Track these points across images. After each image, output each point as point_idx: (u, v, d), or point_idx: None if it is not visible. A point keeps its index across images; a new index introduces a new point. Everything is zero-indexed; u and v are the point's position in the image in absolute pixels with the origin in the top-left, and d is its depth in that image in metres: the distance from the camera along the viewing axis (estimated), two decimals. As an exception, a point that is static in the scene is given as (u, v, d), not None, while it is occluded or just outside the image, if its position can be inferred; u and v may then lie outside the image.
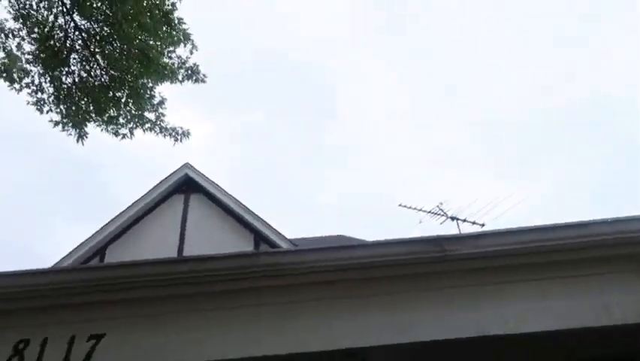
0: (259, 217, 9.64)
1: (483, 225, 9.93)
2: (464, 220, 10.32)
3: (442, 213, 10.45)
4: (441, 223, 10.36)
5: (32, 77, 6.81)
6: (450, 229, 10.19)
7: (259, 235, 9.61)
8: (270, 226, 9.46)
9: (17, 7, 6.46)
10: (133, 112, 6.83)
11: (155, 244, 10.05)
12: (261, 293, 2.79)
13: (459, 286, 2.75)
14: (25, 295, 2.62)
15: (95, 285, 2.65)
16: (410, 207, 10.65)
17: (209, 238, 9.91)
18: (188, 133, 7.50)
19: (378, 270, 2.80)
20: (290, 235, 9.98)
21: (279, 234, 9.38)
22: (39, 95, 6.80)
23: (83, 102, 6.67)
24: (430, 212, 10.46)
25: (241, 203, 10.01)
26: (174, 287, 2.79)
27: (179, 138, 7.38)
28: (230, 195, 10.11)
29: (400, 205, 10.63)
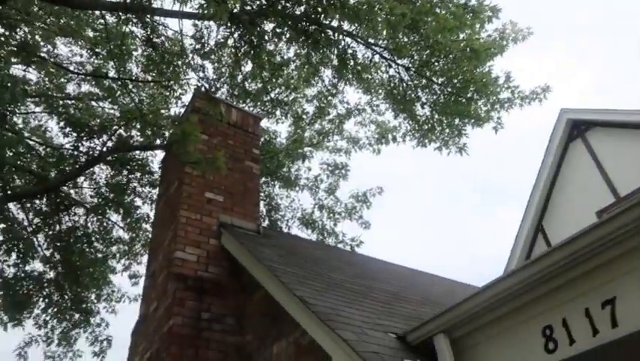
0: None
1: None
2: None
3: None
4: None
5: (402, 126, 7.94)
6: None
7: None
8: None
9: (362, 83, 7.80)
10: (491, 100, 7.01)
11: (584, 199, 9.51)
12: None
13: None
14: (536, 284, 2.86)
15: (584, 254, 2.66)
16: None
17: (636, 164, 8.71)
18: (548, 87, 7.13)
19: None
20: None
21: None
22: (414, 135, 7.84)
23: (448, 119, 7.30)
24: None
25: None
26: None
27: (541, 96, 7.10)
28: (630, 110, 8.76)
29: None
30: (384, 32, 6.32)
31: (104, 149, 9.73)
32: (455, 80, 6.99)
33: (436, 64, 7.06)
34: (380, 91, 8.13)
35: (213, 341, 4.64)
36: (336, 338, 3.15)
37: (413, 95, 7.46)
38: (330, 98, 8.92)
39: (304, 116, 10.02)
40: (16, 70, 9.20)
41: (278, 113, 10.35)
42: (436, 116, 7.43)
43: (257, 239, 5.49)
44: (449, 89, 7.11)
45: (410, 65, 7.35)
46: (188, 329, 4.56)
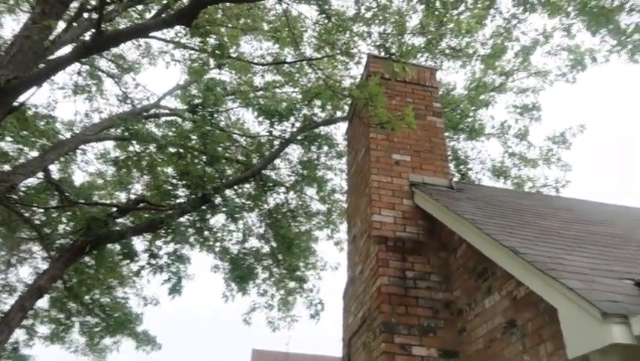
0: None
1: None
2: None
3: None
4: None
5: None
6: None
7: None
8: None
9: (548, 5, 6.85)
10: None
11: None
12: None
13: None
14: None
15: None
16: None
17: None
18: None
19: None
20: None
21: None
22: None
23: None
24: None
25: None
26: None
27: None
28: None
29: None
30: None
31: (294, 130, 10.51)
32: None
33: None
34: (569, 9, 7.02)
35: (421, 298, 4.65)
36: (562, 288, 2.84)
37: (617, 2, 6.25)
38: (510, 30, 8.05)
39: (479, 57, 9.26)
40: (212, 73, 10.48)
41: (451, 63, 9.80)
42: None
43: (451, 194, 5.30)
44: None
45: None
46: (395, 287, 4.65)
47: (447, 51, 9.59)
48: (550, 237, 4.03)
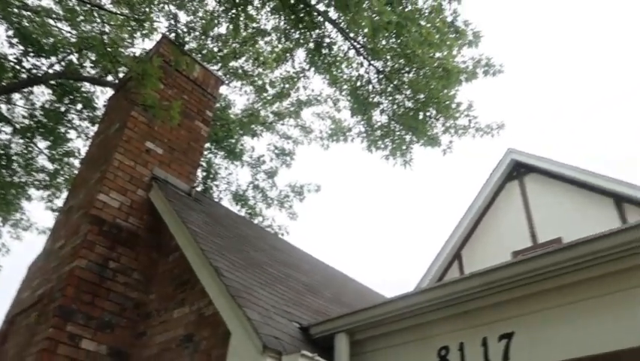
0: (615, 179, 8.46)
1: None
2: None
3: None
4: None
5: (357, 128, 8.01)
6: None
7: (621, 198, 8.40)
8: (633, 185, 8.16)
9: (329, 76, 7.77)
10: (446, 124, 7.17)
11: (505, 237, 9.98)
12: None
13: None
14: (440, 306, 2.94)
15: (493, 287, 2.77)
16: None
17: (560, 217, 9.22)
18: (503, 124, 7.36)
19: None
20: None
21: (647, 190, 8.00)
22: (366, 139, 7.91)
23: (402, 132, 7.41)
24: None
25: (586, 170, 9.03)
26: (565, 276, 2.67)
27: (494, 132, 7.32)
28: (571, 165, 9.24)
29: None
30: (366, 30, 6.28)
31: (50, 70, 9.13)
32: (421, 95, 7.09)
33: (407, 75, 7.12)
34: (345, 87, 8.11)
35: (114, 292, 4.44)
36: (241, 316, 3.10)
37: (376, 100, 7.49)
38: (295, 80, 8.80)
39: (267, 89, 9.83)
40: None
41: (238, 83, 10.12)
42: (392, 126, 7.50)
43: (187, 201, 5.32)
44: (411, 103, 7.20)
45: (382, 69, 7.39)
46: (91, 274, 4.35)
47: (239, 71, 9.88)
48: (254, 268, 4.39)
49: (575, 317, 2.60)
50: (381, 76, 7.33)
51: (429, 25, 6.26)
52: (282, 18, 7.18)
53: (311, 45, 7.21)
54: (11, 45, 9.07)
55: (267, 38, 8.65)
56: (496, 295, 2.75)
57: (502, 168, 10.59)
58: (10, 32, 8.81)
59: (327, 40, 7.23)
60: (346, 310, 3.33)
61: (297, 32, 7.17)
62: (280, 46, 8.13)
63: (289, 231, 11.00)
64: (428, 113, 7.22)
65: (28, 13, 9.68)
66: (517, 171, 10.49)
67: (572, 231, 7.95)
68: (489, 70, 7.02)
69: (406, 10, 6.20)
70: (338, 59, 7.67)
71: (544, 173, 9.91)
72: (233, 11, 6.43)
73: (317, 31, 6.96)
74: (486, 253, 9.81)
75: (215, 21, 8.97)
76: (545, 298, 2.70)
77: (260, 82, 10.23)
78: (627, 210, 8.38)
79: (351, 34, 7.22)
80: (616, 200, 8.52)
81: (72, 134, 10.31)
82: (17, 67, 9.32)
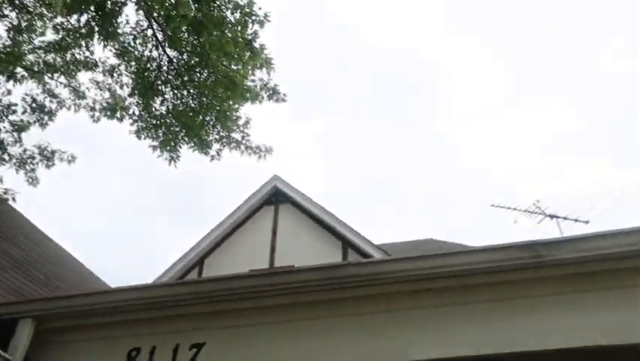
0: (347, 225, 9.75)
1: (587, 222, 9.20)
2: (565, 218, 9.64)
3: (539, 211, 9.83)
4: (538, 223, 9.77)
5: (132, 109, 7.52)
6: (550, 229, 9.57)
7: (348, 243, 9.70)
8: (358, 233, 9.52)
9: (118, 45, 7.16)
10: (221, 134, 7.24)
11: (248, 255, 10.48)
12: (352, 303, 2.84)
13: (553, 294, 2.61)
14: (141, 307, 2.88)
15: (198, 297, 2.85)
16: (504, 207, 10.13)
17: (299, 248, 10.17)
18: (271, 149, 7.75)
19: (469, 278, 2.74)
20: (378, 238, 9.95)
21: (368, 241, 9.41)
22: (139, 123, 7.46)
23: (176, 128, 7.22)
24: (526, 211, 9.89)
25: (328, 211, 10.18)
26: (267, 299, 2.92)
27: (263, 155, 7.65)
28: (318, 204, 10.30)
29: (492, 206, 10.16)
30: (164, 13, 6.01)
31: None
32: (205, 99, 7.04)
33: (198, 75, 7.02)
34: (133, 64, 7.56)
35: None
36: None
37: (161, 88, 7.17)
38: (77, 35, 7.80)
39: (47, 34, 8.46)
40: None
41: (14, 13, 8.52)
42: (168, 120, 7.26)
43: None
44: (195, 104, 7.11)
45: (175, 60, 7.14)
46: None
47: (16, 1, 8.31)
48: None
49: (273, 336, 2.84)
50: (172, 67, 7.08)
51: (230, 35, 6.33)
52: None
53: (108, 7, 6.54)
54: None
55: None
56: (198, 305, 2.85)
57: (264, 191, 11.19)
58: None
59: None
60: (37, 296, 3.00)
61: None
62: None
63: (17, 197, 9.39)
64: (208, 118, 7.22)
65: None
66: (276, 197, 11.21)
67: (304, 263, 8.80)
68: (273, 95, 7.37)
69: (213, 13, 6.17)
70: (134, 34, 7.16)
71: (296, 205, 10.80)
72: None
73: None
74: (226, 267, 10.11)
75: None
76: (243, 316, 2.90)
77: (40, 23, 8.75)
78: (350, 255, 9.71)
79: (155, 14, 6.85)
80: (343, 243, 9.81)
81: None
82: None
